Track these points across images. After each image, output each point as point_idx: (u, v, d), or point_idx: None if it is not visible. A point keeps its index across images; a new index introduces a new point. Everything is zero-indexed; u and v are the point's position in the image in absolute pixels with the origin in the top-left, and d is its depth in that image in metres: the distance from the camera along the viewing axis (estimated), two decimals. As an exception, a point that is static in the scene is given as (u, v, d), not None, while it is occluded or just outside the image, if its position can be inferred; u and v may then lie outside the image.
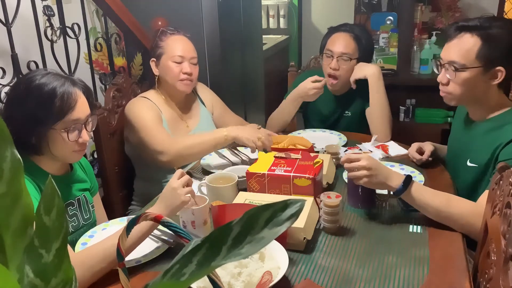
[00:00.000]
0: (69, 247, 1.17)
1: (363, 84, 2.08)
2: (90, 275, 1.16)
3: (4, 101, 1.37)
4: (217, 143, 1.82)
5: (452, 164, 1.71)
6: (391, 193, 1.40)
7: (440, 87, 1.58)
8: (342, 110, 2.24)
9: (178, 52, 1.93)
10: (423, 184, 1.61)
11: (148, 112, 1.90)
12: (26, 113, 1.28)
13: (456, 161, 1.66)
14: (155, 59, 1.98)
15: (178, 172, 1.32)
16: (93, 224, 1.50)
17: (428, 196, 1.36)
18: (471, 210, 1.33)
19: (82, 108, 1.33)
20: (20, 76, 1.87)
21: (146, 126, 1.85)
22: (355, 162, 1.39)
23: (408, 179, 1.37)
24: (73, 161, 1.44)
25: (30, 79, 1.30)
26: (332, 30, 2.17)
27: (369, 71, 2.06)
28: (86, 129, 1.36)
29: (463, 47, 1.48)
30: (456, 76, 1.50)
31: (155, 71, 1.99)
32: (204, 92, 2.19)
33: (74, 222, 1.44)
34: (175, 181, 1.28)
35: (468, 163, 1.56)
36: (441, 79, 1.57)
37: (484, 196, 1.33)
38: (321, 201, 1.38)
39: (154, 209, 1.28)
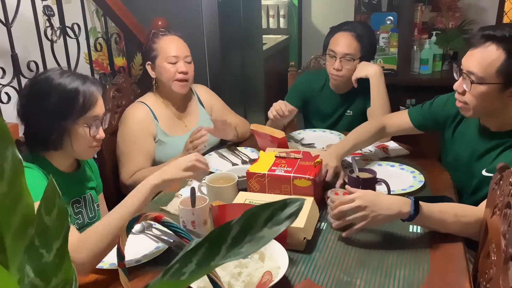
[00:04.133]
0: (73, 230, 1.21)
1: (365, 83, 2.08)
2: (92, 256, 1.17)
3: (22, 101, 1.41)
4: None
5: (459, 171, 1.63)
6: (401, 219, 1.28)
7: (456, 95, 1.50)
8: (344, 109, 2.24)
9: (172, 53, 1.94)
10: (424, 184, 1.62)
11: (135, 133, 1.90)
12: (50, 109, 1.34)
13: (467, 169, 1.58)
14: (150, 62, 2.00)
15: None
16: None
17: (437, 214, 1.27)
18: (478, 218, 1.29)
19: (100, 106, 1.41)
20: (20, 75, 1.87)
21: (123, 152, 1.91)
22: (348, 205, 1.26)
23: (417, 202, 1.25)
24: (87, 157, 1.49)
25: (48, 78, 1.36)
26: (335, 30, 2.17)
27: (370, 71, 2.06)
28: (102, 126, 1.44)
29: (486, 59, 1.38)
30: (472, 88, 1.41)
31: (152, 73, 2.00)
32: (203, 93, 2.19)
33: (80, 220, 1.47)
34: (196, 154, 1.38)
35: (484, 173, 1.49)
36: (457, 87, 1.48)
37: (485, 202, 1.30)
38: (328, 197, 1.38)
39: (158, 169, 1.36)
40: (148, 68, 2.01)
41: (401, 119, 1.82)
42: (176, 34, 2.01)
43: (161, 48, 1.96)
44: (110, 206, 1.81)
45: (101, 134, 1.42)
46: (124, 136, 1.93)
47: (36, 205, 0.51)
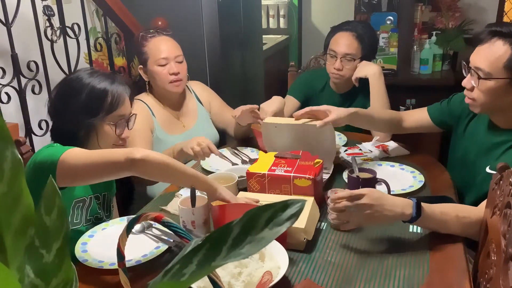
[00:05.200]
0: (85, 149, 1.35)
1: (365, 82, 2.08)
2: (146, 157, 1.23)
3: (53, 99, 1.46)
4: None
5: (466, 167, 1.62)
6: (402, 221, 1.28)
7: (465, 92, 1.51)
8: None
9: (161, 55, 1.92)
10: (423, 184, 1.62)
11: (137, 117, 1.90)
12: (79, 106, 1.40)
13: (473, 166, 1.58)
14: (142, 66, 1.99)
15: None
16: None
17: (438, 215, 1.26)
18: (479, 218, 1.29)
19: (127, 106, 1.49)
20: (20, 75, 1.87)
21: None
22: (356, 202, 1.25)
23: (419, 204, 1.24)
24: None
25: (78, 77, 1.43)
26: (335, 29, 2.17)
27: (370, 71, 2.06)
28: (128, 127, 1.51)
29: (493, 54, 1.39)
30: (479, 84, 1.42)
31: (144, 77, 2.00)
32: (201, 90, 2.18)
33: (99, 215, 1.51)
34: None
35: (488, 170, 1.48)
36: (465, 84, 1.49)
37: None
38: (328, 197, 1.38)
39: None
40: (141, 71, 2.00)
41: (420, 116, 1.83)
42: (165, 34, 1.99)
43: (150, 51, 1.94)
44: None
45: (126, 133, 1.50)
46: None
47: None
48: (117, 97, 1.44)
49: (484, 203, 1.30)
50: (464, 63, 1.51)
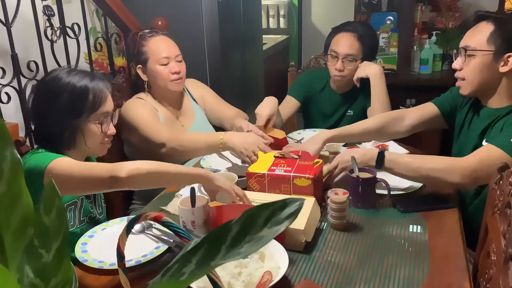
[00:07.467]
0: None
1: (366, 82, 2.08)
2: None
3: (31, 102, 1.43)
4: (211, 146, 1.80)
5: (464, 149, 1.63)
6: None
7: (455, 74, 1.60)
8: (345, 109, 2.24)
9: (163, 54, 1.93)
10: (423, 184, 1.61)
11: (145, 110, 1.92)
12: (61, 108, 1.36)
13: (468, 146, 1.59)
14: (141, 66, 1.98)
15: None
16: (104, 219, 1.58)
17: (403, 165, 1.47)
18: (451, 164, 1.41)
19: (110, 102, 1.45)
20: (20, 75, 1.87)
21: (145, 124, 1.87)
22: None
23: (381, 156, 1.46)
24: (101, 154, 1.51)
25: (56, 77, 1.38)
26: (336, 30, 2.17)
27: (371, 71, 2.06)
28: (112, 122, 1.48)
29: (477, 32, 1.52)
30: (466, 60, 1.53)
31: (144, 77, 1.99)
32: (194, 87, 2.17)
33: (93, 214, 1.51)
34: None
35: (484, 143, 1.51)
36: (455, 65, 1.59)
37: (475, 156, 1.40)
38: (328, 197, 1.38)
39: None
40: (139, 71, 1.99)
41: (425, 110, 1.81)
42: (163, 34, 2.00)
43: (151, 51, 1.94)
44: (111, 207, 1.81)
45: (112, 129, 1.47)
46: (138, 117, 1.88)
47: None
48: (99, 94, 1.40)
49: (470, 157, 1.41)
50: (455, 50, 1.63)
